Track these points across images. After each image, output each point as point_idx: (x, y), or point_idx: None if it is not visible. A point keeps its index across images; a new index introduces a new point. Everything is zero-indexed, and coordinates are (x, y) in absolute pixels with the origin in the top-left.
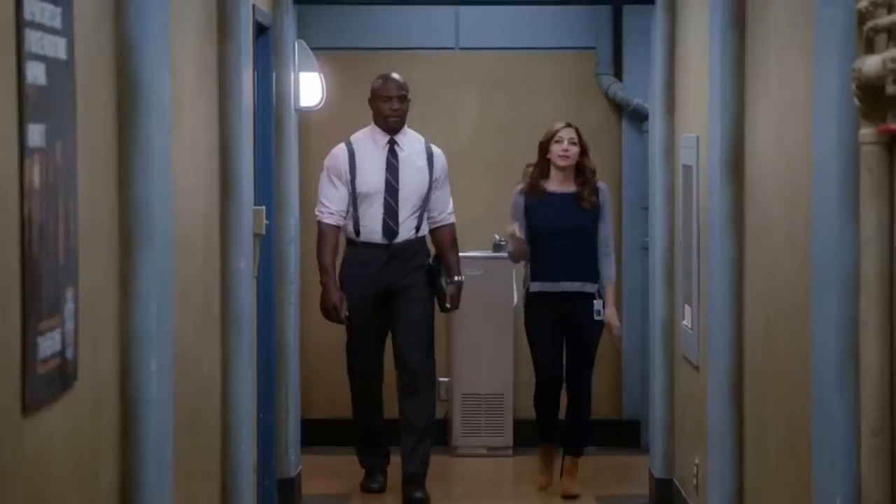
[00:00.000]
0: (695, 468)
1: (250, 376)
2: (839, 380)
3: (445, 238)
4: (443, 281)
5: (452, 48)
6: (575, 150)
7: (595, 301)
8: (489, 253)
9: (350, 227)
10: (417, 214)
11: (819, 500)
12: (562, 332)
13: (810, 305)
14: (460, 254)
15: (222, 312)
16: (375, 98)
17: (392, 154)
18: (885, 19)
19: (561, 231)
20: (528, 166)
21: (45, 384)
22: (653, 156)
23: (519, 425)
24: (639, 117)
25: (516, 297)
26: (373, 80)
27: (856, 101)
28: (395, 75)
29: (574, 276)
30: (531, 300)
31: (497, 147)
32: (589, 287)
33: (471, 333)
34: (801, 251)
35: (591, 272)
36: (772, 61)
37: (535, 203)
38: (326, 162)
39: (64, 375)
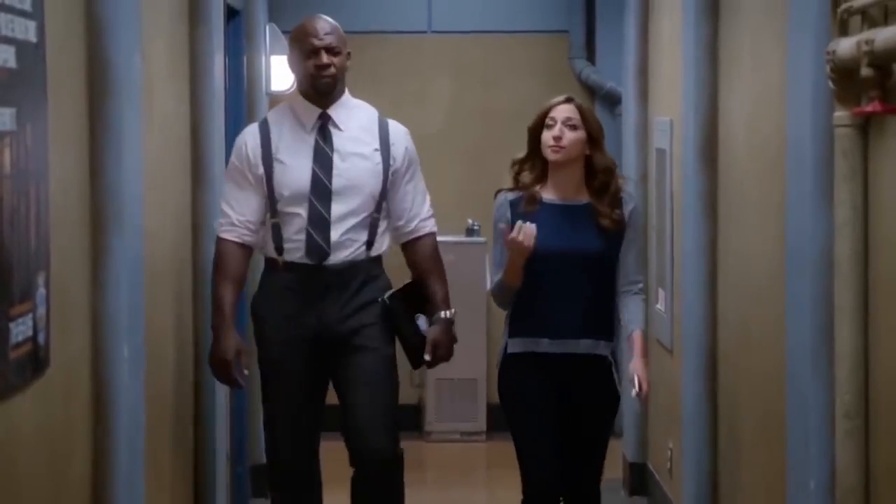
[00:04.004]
0: (669, 452)
1: None
2: (813, 363)
3: (423, 256)
4: (417, 322)
5: (425, 31)
6: (574, 136)
7: (614, 371)
8: (462, 237)
9: (270, 245)
10: (368, 223)
11: (793, 483)
12: (560, 414)
13: (784, 289)
14: None
15: (194, 298)
16: (294, 47)
17: (323, 136)
18: (859, 1)
19: (562, 261)
20: (514, 164)
21: (16, 370)
22: (626, 140)
23: (492, 410)
24: (612, 101)
25: (489, 282)
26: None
27: (830, 84)
28: (324, 17)
29: (580, 330)
30: (509, 364)
31: (469, 132)
32: (602, 348)
33: None
34: (776, 235)
35: (606, 324)
36: (746, 44)
37: (527, 217)
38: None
39: (35, 361)
